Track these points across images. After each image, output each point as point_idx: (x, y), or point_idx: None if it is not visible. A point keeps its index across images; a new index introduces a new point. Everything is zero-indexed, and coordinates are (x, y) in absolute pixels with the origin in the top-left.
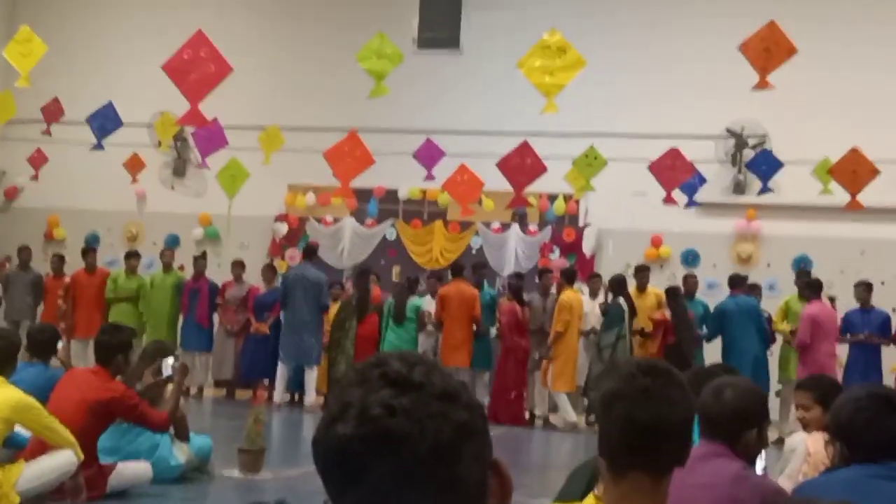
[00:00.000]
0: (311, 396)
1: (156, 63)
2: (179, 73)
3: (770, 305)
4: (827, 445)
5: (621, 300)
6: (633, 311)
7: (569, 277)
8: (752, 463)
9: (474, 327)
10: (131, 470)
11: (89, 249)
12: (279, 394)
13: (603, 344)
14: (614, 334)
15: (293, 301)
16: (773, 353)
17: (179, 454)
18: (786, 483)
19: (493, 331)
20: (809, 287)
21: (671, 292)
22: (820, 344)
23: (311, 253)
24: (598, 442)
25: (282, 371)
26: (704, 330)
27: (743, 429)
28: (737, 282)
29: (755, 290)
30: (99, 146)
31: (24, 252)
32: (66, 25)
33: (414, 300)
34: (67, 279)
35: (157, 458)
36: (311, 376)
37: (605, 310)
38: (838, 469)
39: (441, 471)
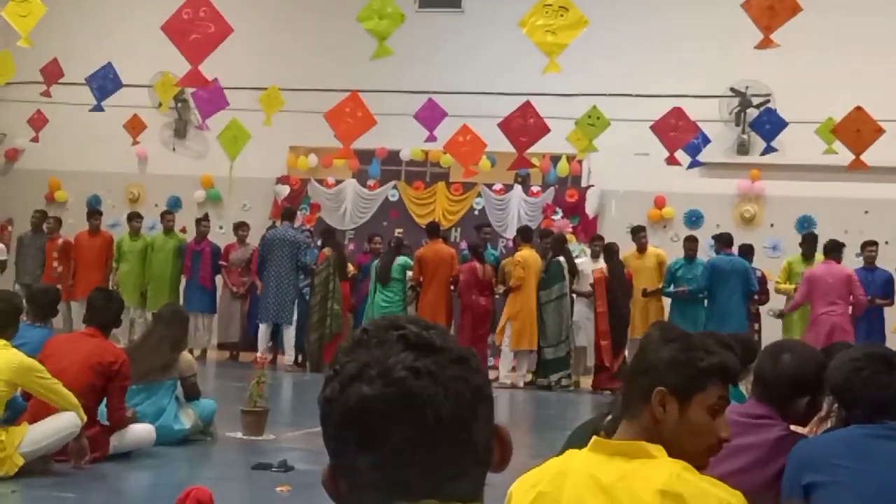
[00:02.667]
0: (289, 355)
1: (155, 23)
2: (179, 34)
3: (774, 266)
4: None
5: (561, 259)
6: (572, 270)
7: (525, 236)
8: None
9: (453, 287)
10: (134, 432)
11: (95, 212)
12: (261, 353)
13: (543, 301)
14: (554, 292)
15: (271, 261)
16: (773, 312)
17: (185, 419)
18: None
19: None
20: (824, 248)
21: (609, 250)
22: (816, 305)
23: (289, 215)
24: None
25: (263, 331)
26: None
27: (795, 395)
28: (728, 241)
29: (750, 251)
30: (98, 107)
31: (36, 215)
32: None
33: (400, 260)
34: (61, 241)
35: (162, 424)
36: (289, 334)
37: (546, 268)
38: (836, 429)
39: (459, 433)
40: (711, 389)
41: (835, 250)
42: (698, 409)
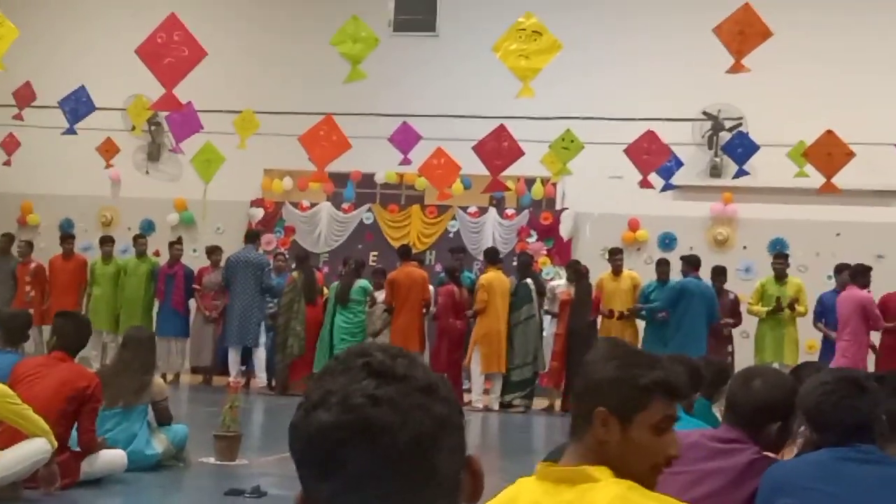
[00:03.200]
0: (261, 377)
1: (129, 46)
2: (153, 57)
3: (747, 288)
4: None
5: (529, 281)
6: (540, 291)
7: (490, 258)
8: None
9: (425, 311)
10: (105, 457)
11: (68, 236)
12: (233, 378)
13: (512, 322)
14: (523, 314)
15: (236, 284)
16: (749, 335)
17: (157, 444)
18: None
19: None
20: (849, 274)
21: (577, 272)
22: (837, 331)
23: (253, 237)
24: None
25: (233, 355)
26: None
27: (766, 421)
28: (696, 263)
29: (722, 273)
30: (71, 130)
31: (3, 239)
32: (37, 8)
33: (360, 282)
34: (34, 265)
35: (133, 450)
36: (259, 356)
37: (515, 290)
38: (807, 452)
39: (419, 462)
40: (655, 407)
41: (859, 275)
42: (641, 429)
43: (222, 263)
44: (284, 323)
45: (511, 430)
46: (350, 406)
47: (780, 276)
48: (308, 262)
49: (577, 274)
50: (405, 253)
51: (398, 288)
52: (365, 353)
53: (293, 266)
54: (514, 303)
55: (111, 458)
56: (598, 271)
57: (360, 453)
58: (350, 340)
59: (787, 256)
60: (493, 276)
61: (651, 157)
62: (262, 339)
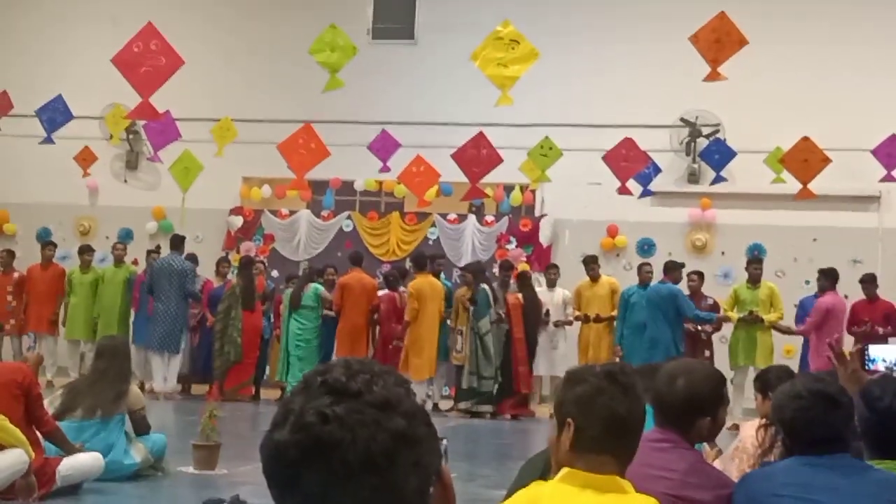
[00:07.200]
0: (171, 383)
1: (106, 55)
2: (130, 66)
3: (725, 293)
4: (758, 430)
5: (486, 287)
6: (495, 298)
7: (418, 264)
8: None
9: (374, 317)
10: (81, 461)
11: (49, 243)
12: (157, 385)
13: (482, 331)
14: (488, 321)
15: (158, 290)
16: (725, 339)
17: (135, 453)
18: (718, 465)
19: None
20: (827, 277)
21: (522, 277)
22: (829, 334)
23: (177, 243)
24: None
25: (157, 363)
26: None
27: (696, 416)
28: (670, 268)
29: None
30: (49, 139)
31: None
32: (13, 17)
33: (313, 287)
34: (17, 275)
35: (112, 459)
36: (174, 363)
37: (474, 299)
38: (781, 459)
39: (373, 478)
40: None
41: (836, 279)
42: None
43: (199, 271)
44: (221, 329)
45: (484, 437)
46: (301, 425)
47: (755, 281)
48: (249, 269)
49: (523, 280)
50: (357, 259)
51: (349, 291)
52: (326, 370)
53: (234, 272)
54: (477, 311)
55: (87, 462)
56: (578, 278)
57: (314, 471)
58: (305, 347)
59: (761, 261)
60: (422, 282)
61: (629, 163)
62: (183, 345)
